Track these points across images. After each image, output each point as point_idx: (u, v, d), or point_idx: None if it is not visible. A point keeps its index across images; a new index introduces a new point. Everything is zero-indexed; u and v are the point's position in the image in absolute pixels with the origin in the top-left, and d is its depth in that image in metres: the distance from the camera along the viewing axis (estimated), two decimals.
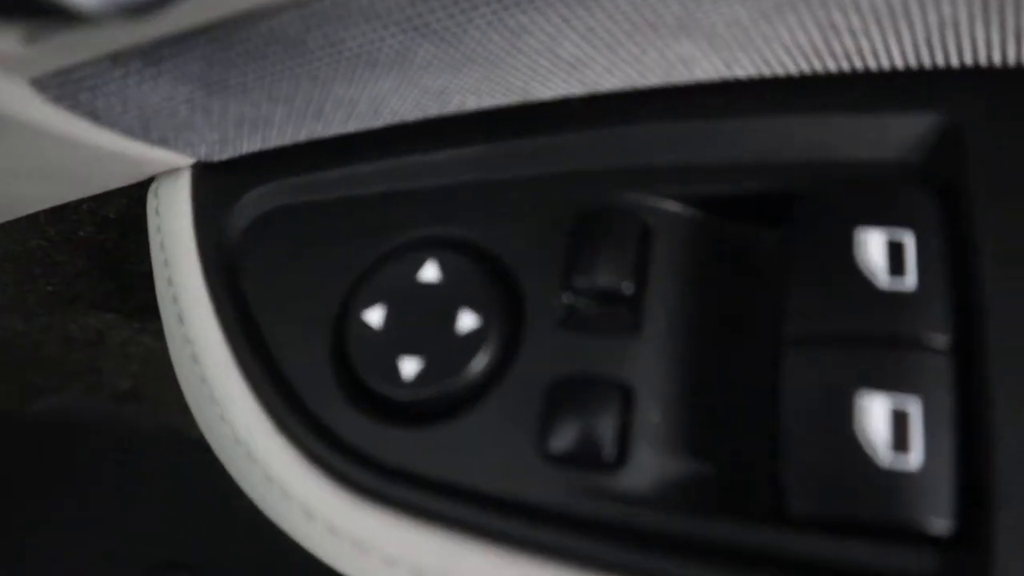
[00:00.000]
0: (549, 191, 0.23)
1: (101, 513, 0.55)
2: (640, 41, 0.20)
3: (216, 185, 0.27)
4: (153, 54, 0.21)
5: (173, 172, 0.29)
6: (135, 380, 0.51)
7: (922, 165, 0.21)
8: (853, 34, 0.20)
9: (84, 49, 0.21)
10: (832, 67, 0.21)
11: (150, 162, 0.27)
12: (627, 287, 0.21)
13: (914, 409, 0.18)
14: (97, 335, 0.45)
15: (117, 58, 0.21)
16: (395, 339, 0.23)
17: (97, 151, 0.26)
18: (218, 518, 0.53)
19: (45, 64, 0.21)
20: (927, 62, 0.21)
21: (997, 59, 0.20)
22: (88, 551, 0.54)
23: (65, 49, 0.20)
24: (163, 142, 0.25)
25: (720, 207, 0.23)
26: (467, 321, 0.22)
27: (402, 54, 0.20)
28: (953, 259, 0.20)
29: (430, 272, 0.23)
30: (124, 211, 0.32)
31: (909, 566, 0.18)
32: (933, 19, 0.19)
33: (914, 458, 0.18)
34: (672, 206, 0.23)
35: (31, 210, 0.31)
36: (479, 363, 0.22)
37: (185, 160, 0.28)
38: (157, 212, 0.28)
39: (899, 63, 0.21)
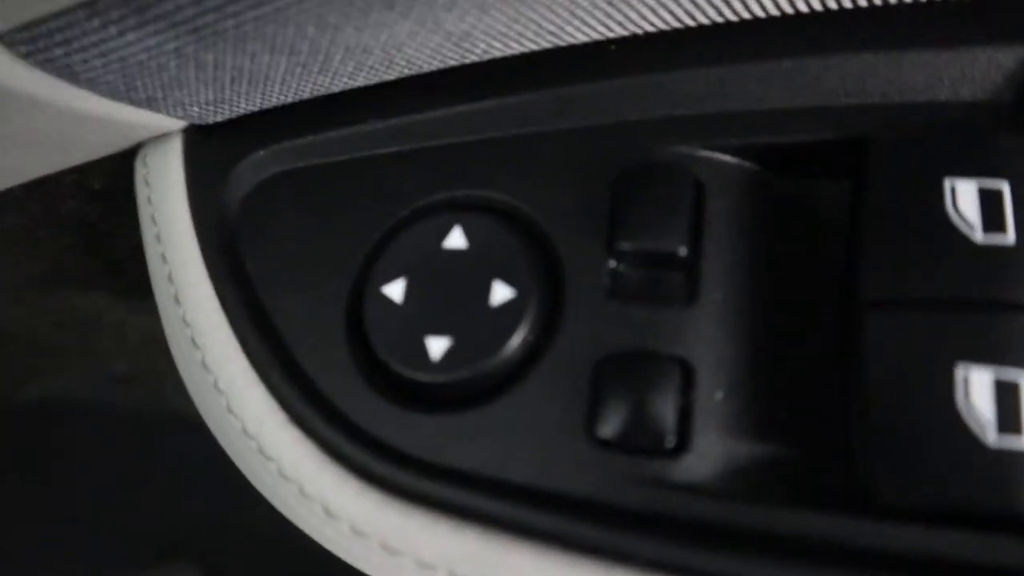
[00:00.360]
0: (588, 145, 0.21)
1: (99, 499, 0.53)
2: None
3: (211, 150, 0.25)
4: (134, 6, 0.18)
5: (162, 137, 0.26)
6: (132, 362, 0.49)
7: (1016, 105, 0.19)
8: None
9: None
10: None
11: (137, 127, 0.25)
12: (682, 250, 0.19)
13: (1023, 382, 0.16)
14: (90, 317, 0.43)
15: (94, 5, 0.19)
16: (420, 315, 0.20)
17: (77, 115, 0.23)
18: (220, 504, 0.51)
19: (11, 16, 0.19)
20: None
21: None
22: (85, 538, 0.52)
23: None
24: (150, 103, 0.23)
25: (780, 159, 0.20)
26: (501, 293, 0.20)
27: None
28: None
29: (456, 239, 0.21)
30: (110, 183, 0.29)
31: (1019, 560, 0.16)
32: None
33: None
34: (727, 159, 0.20)
35: (8, 184, 0.29)
36: (516, 339, 0.20)
37: (176, 124, 0.25)
38: (146, 182, 0.26)
39: None
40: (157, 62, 0.20)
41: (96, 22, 0.19)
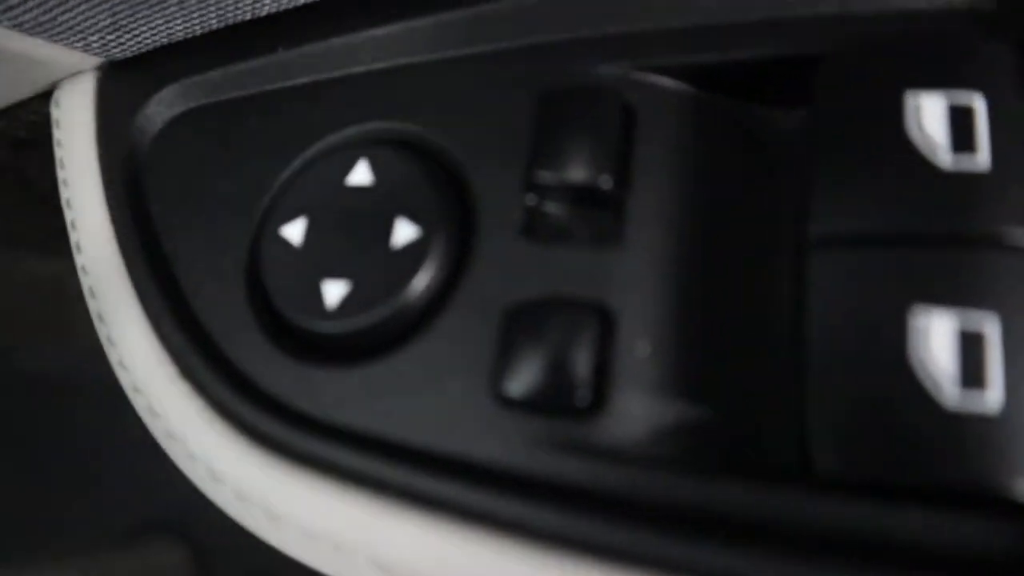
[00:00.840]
0: (506, 70, 0.18)
1: (76, 473, 0.51)
2: None
3: (120, 88, 0.23)
4: None
5: (76, 76, 0.24)
6: None
7: (992, 13, 0.16)
8: None
9: None
10: None
11: (45, 63, 0.23)
12: (605, 181, 0.17)
13: (991, 330, 0.13)
14: (53, 283, 0.41)
15: None
16: (318, 258, 0.18)
17: None
18: None
19: None
20: None
21: None
22: (64, 512, 0.51)
23: None
24: (40, 28, 0.21)
25: (725, 82, 0.18)
26: (405, 232, 0.18)
27: None
28: None
29: (361, 174, 0.18)
30: (38, 131, 0.28)
31: (983, 541, 0.13)
32: None
33: (992, 397, 0.13)
34: (663, 82, 0.18)
35: None
36: (419, 283, 0.17)
37: (87, 60, 0.23)
38: (58, 124, 0.24)
39: None
40: None
41: None
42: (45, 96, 0.26)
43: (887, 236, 0.14)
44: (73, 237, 0.22)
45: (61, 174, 0.23)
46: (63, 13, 0.20)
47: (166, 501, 0.52)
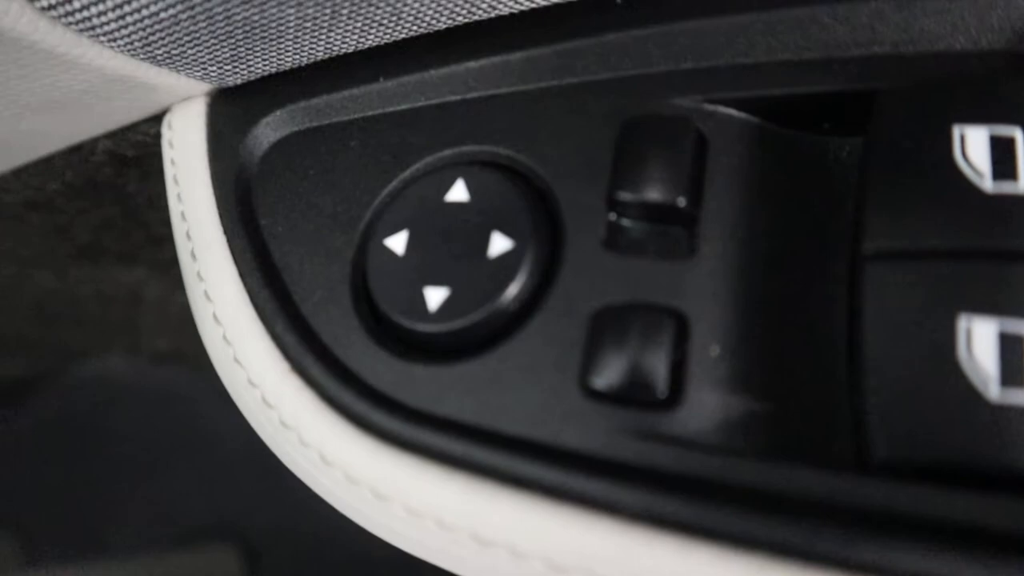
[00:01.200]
0: (591, 100, 0.21)
1: (140, 476, 0.54)
2: None
3: (231, 112, 0.25)
4: None
5: (187, 101, 0.26)
6: (175, 339, 0.50)
7: None
8: None
9: None
10: None
11: (162, 89, 0.25)
12: (681, 201, 0.19)
13: None
14: (132, 292, 0.44)
15: None
16: (420, 267, 0.20)
17: (102, 74, 0.24)
18: (260, 484, 0.52)
19: None
20: None
21: None
22: (126, 514, 0.54)
23: None
24: (170, 61, 0.23)
25: (788, 113, 0.20)
26: (499, 244, 0.20)
27: None
28: None
29: (458, 192, 0.21)
30: (143, 149, 0.30)
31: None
32: None
33: None
34: (732, 113, 0.20)
35: (43, 151, 0.30)
36: (513, 290, 0.19)
37: (200, 87, 0.26)
38: (171, 144, 0.26)
39: None
40: (169, 14, 0.21)
41: None
42: (153, 118, 0.28)
43: (935, 251, 0.16)
44: (188, 246, 0.25)
45: (174, 189, 0.26)
46: (192, 47, 0.22)
47: (225, 506, 0.54)
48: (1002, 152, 0.17)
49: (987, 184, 0.16)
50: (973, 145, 0.17)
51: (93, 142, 0.30)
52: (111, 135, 0.29)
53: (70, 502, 0.55)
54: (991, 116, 0.17)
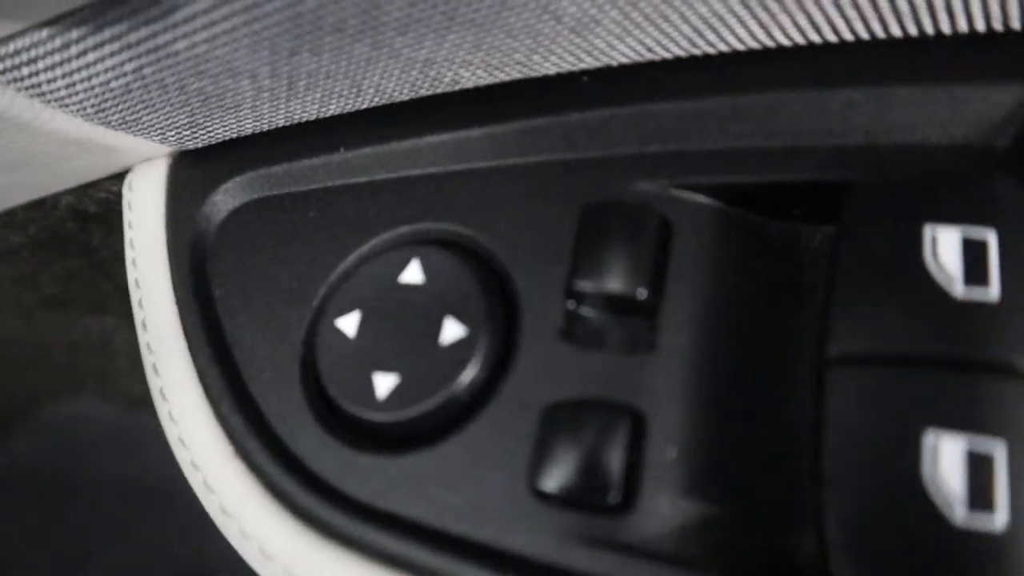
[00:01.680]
0: (554, 181, 0.20)
1: (111, 523, 0.53)
2: None
3: (190, 176, 0.24)
4: (91, 20, 0.18)
5: (149, 162, 0.26)
6: (146, 384, 0.48)
7: (1008, 150, 0.17)
8: None
9: (17, 17, 0.18)
10: (894, 30, 0.18)
11: (121, 150, 0.25)
12: (641, 293, 0.18)
13: (999, 455, 0.14)
14: (102, 338, 0.43)
15: (55, 25, 0.19)
16: (370, 351, 0.20)
17: (57, 136, 0.23)
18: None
19: None
20: (1017, 23, 0.17)
21: None
22: (99, 562, 0.52)
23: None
24: (125, 126, 0.22)
25: (758, 201, 0.19)
26: (452, 330, 0.19)
27: (369, 13, 0.17)
28: None
29: (413, 273, 0.20)
30: (107, 206, 0.30)
31: None
32: None
33: (998, 518, 0.14)
34: (699, 199, 0.19)
35: (4, 205, 0.29)
36: (464, 380, 0.18)
37: (160, 149, 0.25)
38: (130, 206, 0.26)
39: (980, 25, 0.17)
40: (120, 83, 0.20)
41: (58, 42, 0.19)
42: (118, 175, 0.27)
43: (901, 358, 0.16)
44: (139, 315, 0.24)
45: (130, 254, 0.25)
46: (147, 114, 0.22)
47: (194, 558, 0.53)
48: (974, 256, 0.16)
49: (958, 289, 0.16)
50: (945, 247, 0.16)
51: (55, 198, 0.29)
52: (73, 191, 0.29)
53: (36, 549, 0.54)
54: (965, 217, 0.16)
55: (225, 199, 0.24)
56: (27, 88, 0.20)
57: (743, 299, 0.18)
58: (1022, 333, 0.15)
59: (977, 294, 0.16)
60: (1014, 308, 0.15)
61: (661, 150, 0.19)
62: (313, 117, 0.22)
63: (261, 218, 0.23)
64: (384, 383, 0.19)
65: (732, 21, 0.17)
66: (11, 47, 0.19)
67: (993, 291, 0.15)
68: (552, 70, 0.20)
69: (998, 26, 0.17)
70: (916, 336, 0.16)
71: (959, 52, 0.18)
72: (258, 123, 0.23)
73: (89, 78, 0.20)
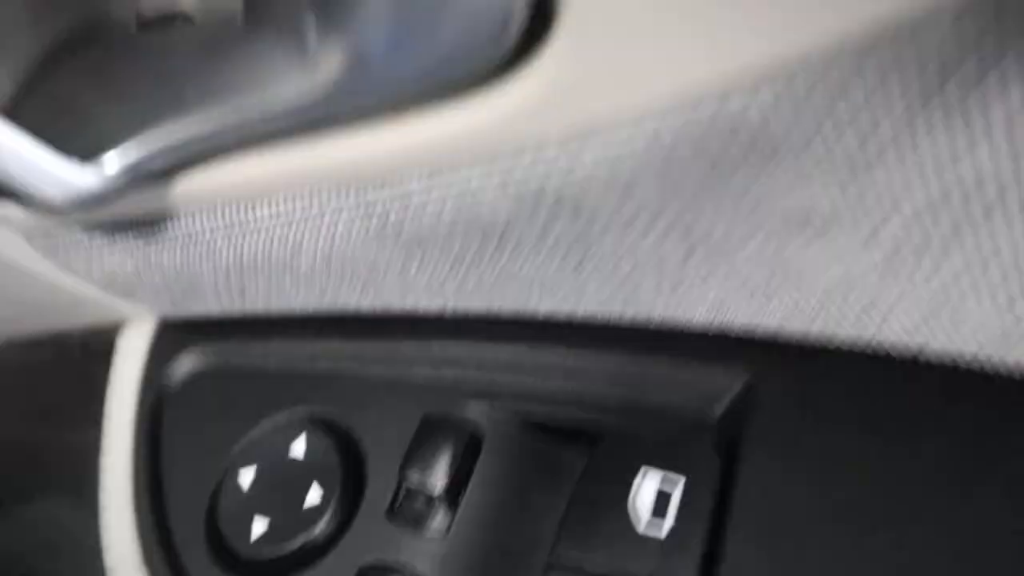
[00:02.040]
0: (409, 392, 0.27)
1: None
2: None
3: (164, 340, 0.32)
4: (107, 231, 0.26)
5: (139, 320, 0.33)
6: None
7: (719, 419, 0.24)
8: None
9: (61, 220, 0.27)
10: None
11: (121, 310, 0.32)
12: (439, 491, 0.24)
13: None
14: (88, 450, 0.49)
15: (85, 227, 0.27)
16: (254, 501, 0.26)
17: (73, 294, 0.31)
18: None
19: (34, 226, 0.27)
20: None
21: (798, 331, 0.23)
22: None
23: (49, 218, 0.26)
24: (126, 295, 0.30)
25: (545, 427, 0.26)
26: (313, 496, 0.26)
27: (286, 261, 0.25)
28: (713, 511, 0.22)
29: (299, 443, 0.27)
30: (112, 347, 0.37)
31: None
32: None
33: None
34: (508, 417, 0.26)
35: (13, 333, 0.37)
36: (312, 534, 0.25)
37: (151, 313, 0.33)
38: (118, 353, 0.33)
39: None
40: (124, 271, 0.28)
41: (86, 237, 0.27)
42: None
43: (593, 572, 0.22)
44: (101, 453, 0.31)
45: (108, 396, 0.32)
46: (138, 290, 0.29)
47: None
48: (663, 498, 0.22)
49: (643, 523, 0.22)
50: (644, 490, 0.23)
51: (69, 331, 0.37)
52: (86, 330, 0.36)
53: None
54: (668, 464, 0.23)
55: (186, 363, 0.31)
56: (60, 262, 0.28)
57: (517, 502, 0.25)
58: (675, 563, 0.21)
59: (654, 529, 0.22)
60: (675, 542, 0.22)
61: (490, 379, 0.26)
62: (258, 311, 0.30)
63: (213, 383, 0.30)
64: (258, 527, 0.26)
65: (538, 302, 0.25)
66: (54, 236, 0.27)
67: (667, 525, 0.22)
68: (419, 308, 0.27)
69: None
70: (603, 556, 0.22)
71: (701, 337, 0.24)
72: (219, 308, 0.30)
73: (103, 264, 0.28)
